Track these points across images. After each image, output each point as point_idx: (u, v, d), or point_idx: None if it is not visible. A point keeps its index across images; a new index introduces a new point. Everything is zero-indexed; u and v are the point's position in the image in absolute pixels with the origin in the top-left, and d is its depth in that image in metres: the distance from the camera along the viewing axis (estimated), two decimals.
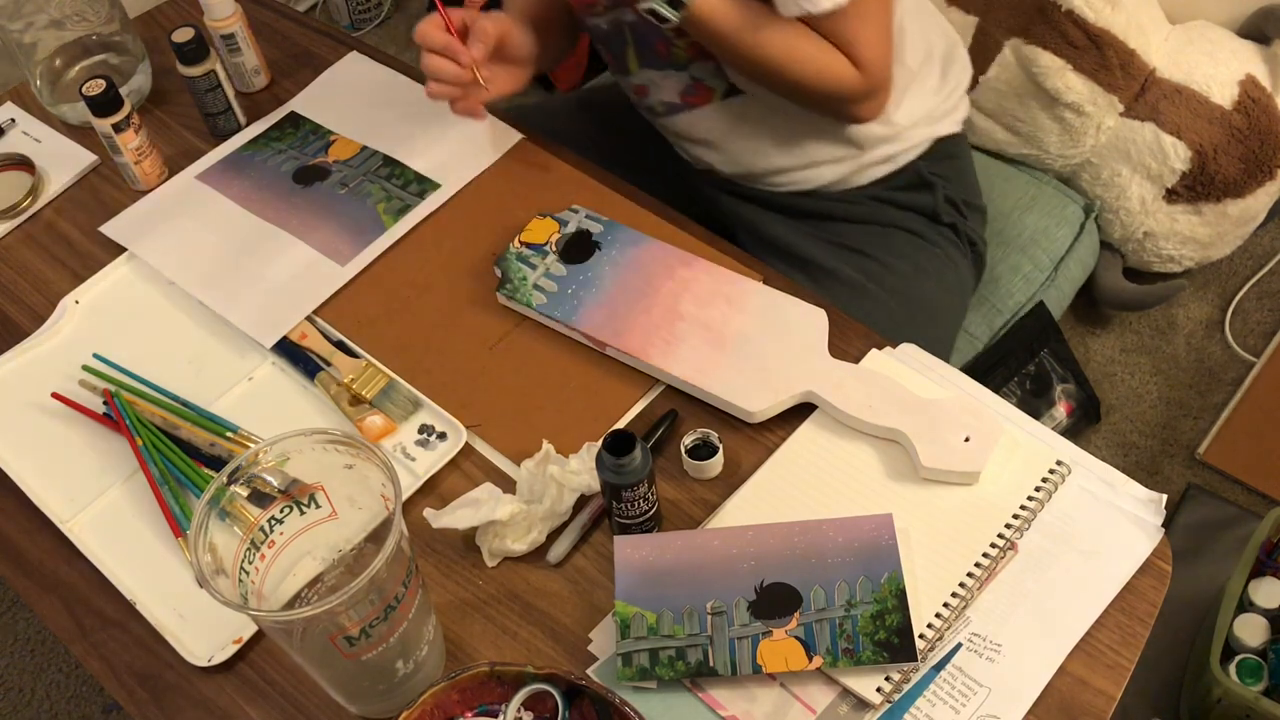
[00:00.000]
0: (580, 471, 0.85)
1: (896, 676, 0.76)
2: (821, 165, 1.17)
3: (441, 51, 1.02)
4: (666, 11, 0.98)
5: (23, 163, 1.18)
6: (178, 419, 0.95)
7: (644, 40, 1.12)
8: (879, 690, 0.75)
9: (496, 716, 0.70)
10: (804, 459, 0.88)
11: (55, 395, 0.98)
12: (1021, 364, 1.50)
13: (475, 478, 0.91)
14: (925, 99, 1.17)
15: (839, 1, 0.97)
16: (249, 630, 0.83)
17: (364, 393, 0.95)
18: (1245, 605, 1.29)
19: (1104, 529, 0.83)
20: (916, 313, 1.16)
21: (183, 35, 1.13)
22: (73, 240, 1.12)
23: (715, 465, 0.88)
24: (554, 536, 0.86)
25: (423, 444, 0.93)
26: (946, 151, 1.21)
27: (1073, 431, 1.58)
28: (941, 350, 1.21)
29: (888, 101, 1.10)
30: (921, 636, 0.77)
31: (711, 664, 0.76)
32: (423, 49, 1.03)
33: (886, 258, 1.18)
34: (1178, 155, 1.55)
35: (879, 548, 0.80)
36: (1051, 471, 0.85)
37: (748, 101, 1.13)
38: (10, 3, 1.14)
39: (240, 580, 0.70)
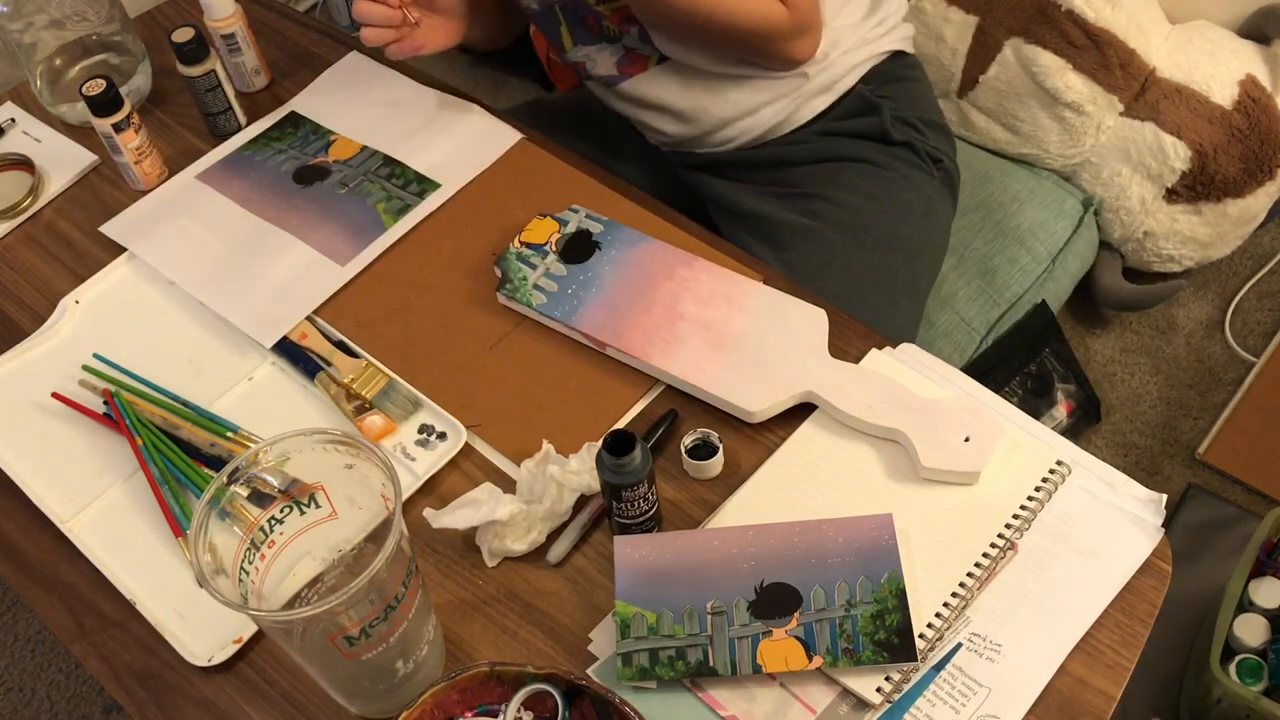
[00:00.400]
0: (580, 471, 0.85)
1: (896, 676, 0.76)
2: (761, 109, 1.18)
3: None
4: None
5: (23, 163, 1.18)
6: (178, 419, 0.95)
7: (574, 17, 1.15)
8: (879, 690, 0.75)
9: (496, 716, 0.70)
10: (804, 459, 0.88)
11: (55, 395, 0.98)
12: (1023, 363, 1.50)
13: (475, 478, 0.91)
14: (855, 29, 1.18)
15: None
16: (249, 630, 0.83)
17: (364, 393, 0.95)
18: (1245, 605, 1.29)
19: (1104, 529, 0.83)
20: (864, 238, 1.16)
21: (183, 35, 1.13)
22: (73, 240, 1.12)
23: (715, 465, 0.88)
24: (554, 536, 0.86)
25: (423, 444, 0.93)
26: (892, 75, 1.22)
27: (1073, 431, 1.58)
28: (916, 274, 1.20)
29: (821, 40, 1.12)
30: (921, 636, 0.77)
31: (711, 664, 0.76)
32: None
33: (834, 193, 1.18)
34: (1178, 155, 1.55)
35: (879, 548, 0.80)
36: (1051, 471, 0.85)
37: (680, 62, 1.15)
38: (10, 3, 1.14)
39: (240, 580, 0.70)
